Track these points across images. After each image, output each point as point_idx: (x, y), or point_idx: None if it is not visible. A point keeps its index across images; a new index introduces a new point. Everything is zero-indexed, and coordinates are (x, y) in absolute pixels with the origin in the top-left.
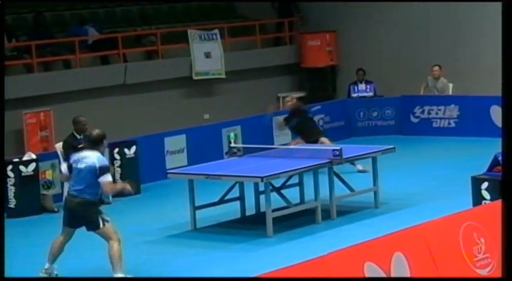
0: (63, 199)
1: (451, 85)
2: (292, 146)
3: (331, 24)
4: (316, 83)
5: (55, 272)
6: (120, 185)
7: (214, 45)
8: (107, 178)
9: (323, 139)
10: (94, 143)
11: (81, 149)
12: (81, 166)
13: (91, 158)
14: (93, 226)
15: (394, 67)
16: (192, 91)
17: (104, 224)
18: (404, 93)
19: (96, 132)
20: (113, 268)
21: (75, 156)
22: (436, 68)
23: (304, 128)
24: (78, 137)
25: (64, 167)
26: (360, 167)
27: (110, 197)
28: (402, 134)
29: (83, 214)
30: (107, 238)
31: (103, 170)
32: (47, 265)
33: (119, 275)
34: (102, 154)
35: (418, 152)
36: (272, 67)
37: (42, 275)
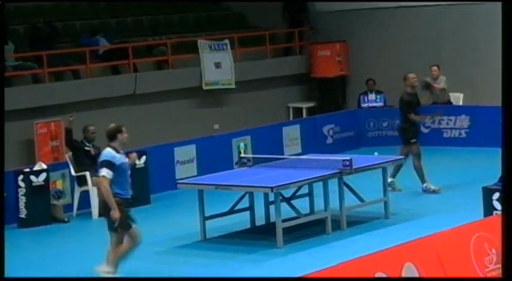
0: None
1: (461, 95)
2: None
3: (341, 35)
4: (326, 93)
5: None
6: (113, 203)
7: (224, 56)
8: (101, 172)
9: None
10: (108, 139)
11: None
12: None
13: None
14: (109, 226)
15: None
16: (202, 101)
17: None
18: None
19: (109, 127)
20: (107, 261)
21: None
22: (435, 68)
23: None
24: (87, 144)
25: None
26: (432, 187)
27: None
28: None
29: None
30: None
31: (100, 165)
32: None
33: (106, 269)
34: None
35: (428, 163)
36: (282, 77)
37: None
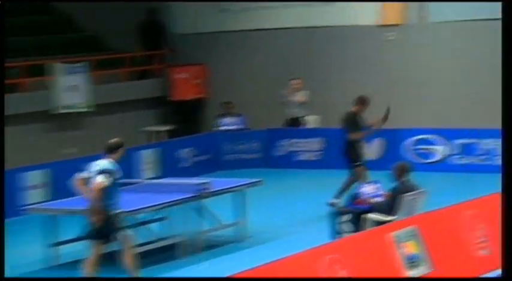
0: None
1: (316, 117)
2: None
3: (200, 57)
4: (184, 116)
5: None
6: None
7: (80, 78)
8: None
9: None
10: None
11: None
12: None
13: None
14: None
15: (261, 100)
16: (58, 125)
17: None
18: (270, 126)
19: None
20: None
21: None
22: (296, 81)
23: None
24: None
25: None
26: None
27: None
28: (269, 167)
29: None
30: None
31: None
32: None
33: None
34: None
35: (284, 185)
36: (140, 100)
37: None
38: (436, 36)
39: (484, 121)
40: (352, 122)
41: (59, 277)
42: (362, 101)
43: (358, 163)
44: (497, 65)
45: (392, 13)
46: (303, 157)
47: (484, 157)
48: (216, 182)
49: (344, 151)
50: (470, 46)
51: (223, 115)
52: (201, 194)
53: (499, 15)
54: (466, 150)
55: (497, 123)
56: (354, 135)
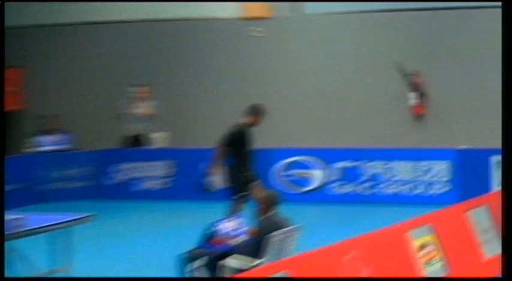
0: None
1: (164, 134)
2: None
3: (15, 58)
4: None
5: None
6: None
7: None
8: None
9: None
10: None
11: None
12: None
13: None
14: None
15: (91, 112)
16: None
17: None
18: (104, 146)
19: None
20: None
21: None
22: (144, 88)
23: None
24: None
25: None
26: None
27: None
28: (102, 198)
29: None
30: None
31: None
32: None
33: None
34: None
35: (121, 222)
36: None
37: None
38: (313, 32)
39: (370, 139)
40: (240, 138)
41: (58, 277)
42: (257, 112)
43: (242, 194)
44: (388, 66)
45: (258, 5)
46: (145, 185)
47: (369, 183)
48: (31, 217)
49: (227, 177)
50: (354, 43)
51: (43, 132)
52: (12, 233)
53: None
54: (348, 175)
55: (384, 142)
56: (238, 156)
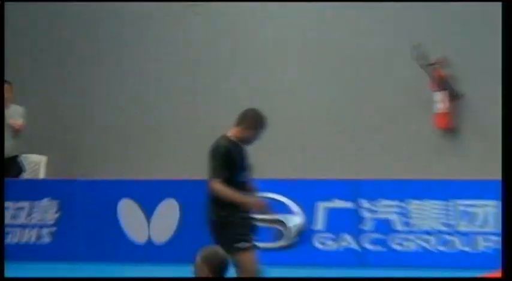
0: None
1: (37, 158)
2: None
3: None
4: None
5: None
6: None
7: None
8: None
9: None
10: None
11: None
12: None
13: None
14: None
15: None
16: None
17: None
18: None
19: None
20: None
21: None
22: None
23: None
24: None
25: None
26: None
27: None
28: None
29: None
30: None
31: None
32: None
33: None
34: None
35: None
36: None
37: None
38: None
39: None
40: (226, 158)
41: (59, 277)
42: (255, 121)
43: (243, 243)
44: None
45: None
46: (16, 237)
47: (375, 235)
48: None
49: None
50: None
51: None
52: None
53: None
54: (341, 221)
55: (398, 170)
56: (223, 188)
